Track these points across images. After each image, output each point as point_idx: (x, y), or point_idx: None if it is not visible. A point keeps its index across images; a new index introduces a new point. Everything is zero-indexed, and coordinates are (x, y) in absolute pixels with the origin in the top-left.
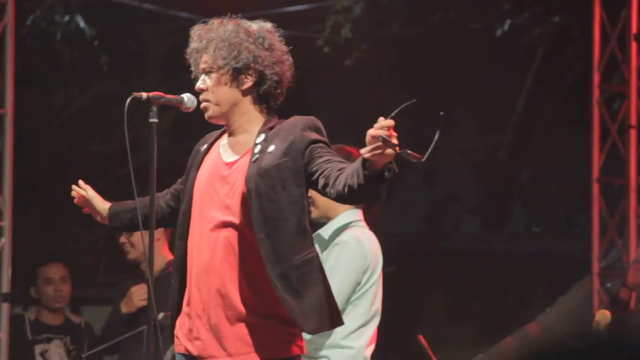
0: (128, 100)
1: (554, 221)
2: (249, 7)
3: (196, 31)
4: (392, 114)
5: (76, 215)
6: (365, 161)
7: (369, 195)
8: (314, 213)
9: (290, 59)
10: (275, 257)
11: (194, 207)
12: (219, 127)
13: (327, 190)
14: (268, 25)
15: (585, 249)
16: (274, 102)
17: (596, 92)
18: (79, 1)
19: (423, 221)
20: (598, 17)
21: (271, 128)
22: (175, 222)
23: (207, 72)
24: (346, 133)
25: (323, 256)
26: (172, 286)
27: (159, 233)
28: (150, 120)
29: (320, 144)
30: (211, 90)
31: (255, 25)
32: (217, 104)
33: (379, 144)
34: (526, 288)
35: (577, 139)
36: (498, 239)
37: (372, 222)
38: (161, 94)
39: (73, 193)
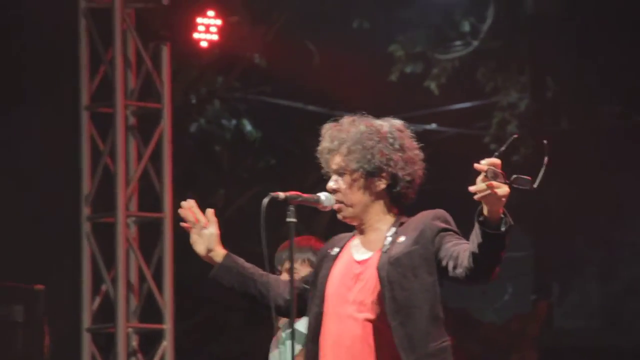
0: (265, 200)
1: None
2: (411, 106)
3: (327, 130)
4: (497, 153)
5: (241, 314)
6: (479, 217)
7: (491, 258)
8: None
9: (422, 155)
10: (410, 345)
11: (326, 308)
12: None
13: (457, 271)
14: (398, 123)
15: None
16: (405, 201)
17: None
18: (247, 105)
19: (598, 316)
20: None
21: (402, 224)
22: (286, 314)
23: (340, 173)
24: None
25: None
26: None
27: None
28: (288, 220)
29: (450, 232)
30: (344, 192)
31: (386, 125)
32: (350, 206)
33: (488, 181)
34: None
35: None
36: None
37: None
38: (298, 193)
39: (185, 209)
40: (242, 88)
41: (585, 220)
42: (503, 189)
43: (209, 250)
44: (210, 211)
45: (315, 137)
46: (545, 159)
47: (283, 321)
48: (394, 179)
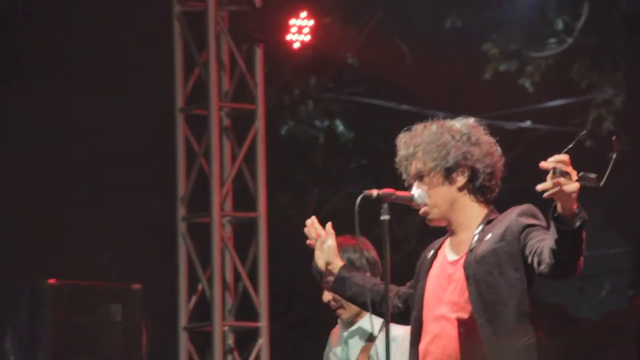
0: (359, 198)
1: None
2: (509, 103)
3: (402, 139)
4: (566, 149)
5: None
6: (554, 213)
7: (570, 252)
8: (345, 314)
9: (499, 149)
10: (497, 341)
11: (424, 311)
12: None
13: (542, 268)
14: (471, 120)
15: None
16: (490, 194)
17: None
18: (340, 106)
19: None
20: None
21: (490, 221)
22: (396, 321)
23: (420, 178)
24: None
25: (375, 351)
26: None
27: None
28: (382, 217)
29: (536, 227)
30: (427, 194)
31: (458, 124)
32: (435, 206)
33: (556, 179)
34: None
35: None
36: None
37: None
38: (392, 190)
39: (309, 226)
40: (334, 89)
41: None
42: (571, 186)
43: (328, 263)
44: (329, 224)
45: None
46: (614, 155)
47: (345, 318)
48: (473, 172)
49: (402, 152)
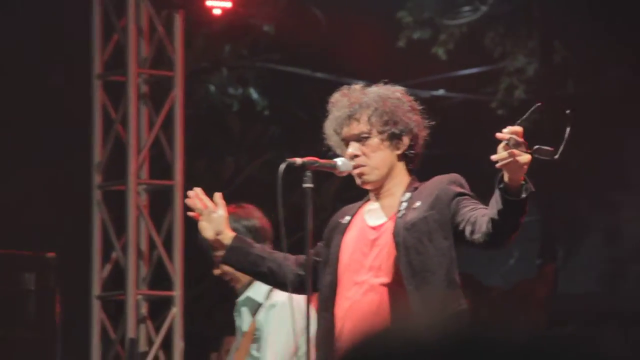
0: (282, 166)
1: None
2: (422, 72)
3: (342, 99)
4: (520, 120)
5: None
6: (500, 183)
7: (511, 224)
8: (238, 285)
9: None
10: (425, 309)
11: (340, 276)
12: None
13: (475, 237)
14: (400, 88)
15: None
16: (415, 164)
17: None
18: (254, 73)
19: (602, 280)
20: None
21: (416, 188)
22: (298, 290)
23: (362, 138)
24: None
25: (258, 319)
26: (318, 358)
27: None
28: (305, 185)
29: (466, 196)
30: (369, 156)
31: (395, 91)
32: (376, 168)
33: (510, 150)
34: None
35: None
36: None
37: (546, 282)
38: (315, 159)
39: (192, 198)
40: (249, 56)
41: (591, 183)
42: (524, 157)
43: (218, 234)
44: (217, 195)
45: (325, 104)
46: (568, 129)
47: (239, 288)
48: (413, 140)
49: (342, 111)
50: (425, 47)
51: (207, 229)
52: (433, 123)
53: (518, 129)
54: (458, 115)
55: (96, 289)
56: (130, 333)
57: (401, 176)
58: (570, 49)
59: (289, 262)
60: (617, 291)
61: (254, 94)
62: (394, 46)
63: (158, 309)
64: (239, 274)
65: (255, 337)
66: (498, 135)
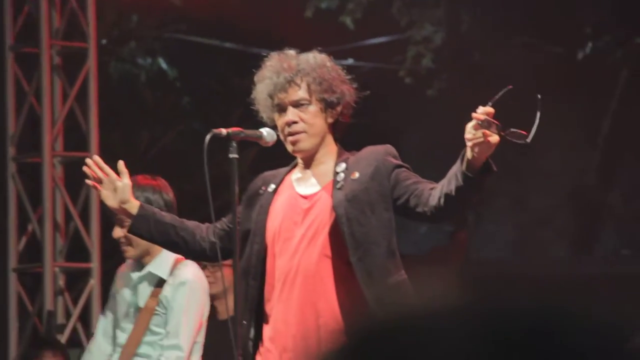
0: (208, 136)
1: None
2: (330, 41)
3: (279, 62)
4: (491, 102)
5: None
6: (462, 162)
7: (467, 200)
8: (131, 252)
9: None
10: (370, 280)
11: (269, 245)
12: (286, 163)
13: (420, 209)
14: (327, 57)
15: None
16: (342, 133)
17: None
18: (161, 44)
19: (511, 246)
20: None
21: (348, 158)
22: (213, 259)
23: (301, 104)
24: (428, 163)
25: (165, 295)
26: (241, 325)
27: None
28: (230, 156)
29: (404, 168)
30: (307, 122)
31: (326, 59)
32: (313, 136)
33: (482, 129)
34: (618, 311)
35: None
36: (587, 263)
37: (459, 249)
38: (240, 129)
39: (91, 166)
40: (157, 27)
41: (495, 151)
42: (495, 138)
43: (123, 203)
44: (121, 163)
45: (236, 74)
46: (538, 114)
47: (131, 255)
48: (345, 109)
49: (282, 76)
50: (333, 16)
51: (110, 198)
52: (367, 93)
53: (490, 109)
54: (367, 84)
55: (12, 262)
56: (48, 305)
57: (330, 145)
58: (477, 18)
59: (203, 231)
60: (526, 256)
61: (163, 64)
62: (301, 16)
63: (75, 281)
64: (139, 241)
65: (156, 313)
66: (474, 115)
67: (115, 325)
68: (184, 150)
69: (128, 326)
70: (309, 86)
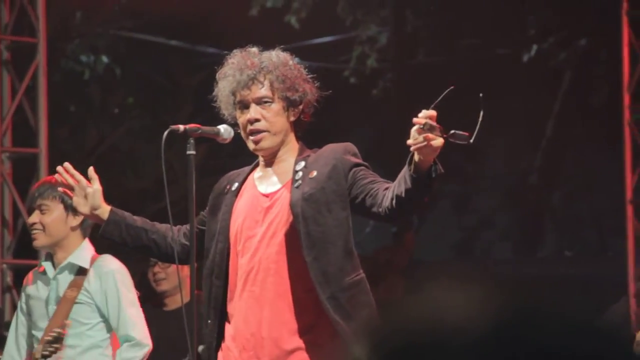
0: (165, 133)
1: (587, 244)
2: (275, 40)
3: (242, 59)
4: (433, 105)
5: (114, 251)
6: (410, 164)
7: (417, 202)
8: (43, 240)
9: None
10: (325, 279)
11: (232, 244)
12: (247, 163)
13: (375, 209)
14: (288, 55)
15: (620, 271)
16: (303, 130)
17: (627, 114)
18: (105, 41)
19: (455, 248)
20: (627, 38)
21: (308, 156)
22: (184, 261)
23: (263, 102)
24: (374, 163)
25: (90, 284)
26: (206, 325)
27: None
28: (188, 152)
29: (363, 167)
30: (269, 120)
31: (289, 57)
32: (275, 134)
33: (425, 134)
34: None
35: (608, 161)
36: (531, 264)
37: (405, 249)
38: (198, 126)
39: (62, 173)
40: (102, 24)
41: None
42: (438, 141)
43: (94, 208)
44: (91, 169)
45: (184, 71)
46: (481, 113)
47: (40, 245)
48: (306, 108)
49: (245, 73)
50: (278, 15)
51: (82, 205)
52: (329, 92)
53: (432, 113)
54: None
55: None
56: None
57: (292, 143)
58: (422, 18)
59: (173, 233)
60: (469, 258)
61: (106, 61)
62: (247, 14)
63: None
64: (54, 231)
65: (79, 302)
66: (414, 120)
67: (33, 328)
68: (132, 148)
69: (46, 323)
70: (271, 84)
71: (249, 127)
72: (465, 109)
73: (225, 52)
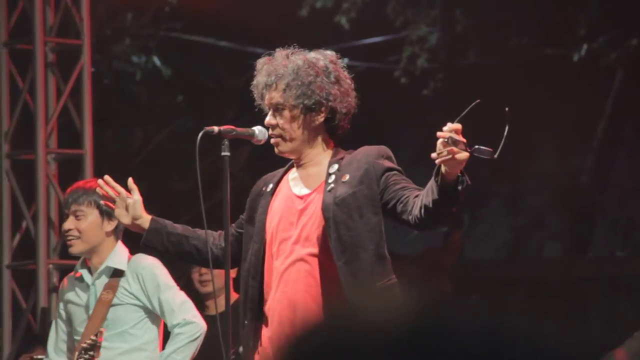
0: (200, 134)
1: (638, 245)
2: (325, 41)
3: (263, 65)
4: (459, 118)
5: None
6: (437, 175)
7: (444, 212)
8: (79, 247)
9: (353, 85)
10: (355, 284)
11: (268, 245)
12: (286, 161)
13: (405, 217)
14: (331, 54)
15: None
16: (341, 133)
17: None
18: (156, 42)
19: (505, 248)
20: None
21: (342, 159)
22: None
23: (277, 109)
24: (424, 164)
25: (130, 287)
26: (243, 326)
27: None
28: (223, 154)
29: (395, 172)
30: (283, 127)
31: (321, 59)
32: (289, 140)
33: (449, 147)
34: (612, 313)
35: None
36: (582, 264)
37: (453, 249)
38: (232, 127)
39: (103, 187)
40: (152, 25)
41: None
42: (462, 155)
43: (135, 219)
44: (130, 180)
45: (231, 73)
46: (507, 127)
47: (76, 252)
48: (332, 112)
49: (262, 78)
50: (328, 15)
51: (124, 216)
52: (373, 93)
53: (457, 126)
54: (362, 84)
55: (7, 259)
56: (42, 302)
57: (323, 145)
58: (472, 18)
59: (215, 238)
60: (520, 258)
61: (157, 62)
62: (296, 15)
63: None
64: (90, 237)
65: (117, 304)
66: (439, 134)
67: (74, 334)
68: (178, 149)
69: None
70: (284, 91)
71: (269, 132)
72: (515, 111)
73: (273, 52)
